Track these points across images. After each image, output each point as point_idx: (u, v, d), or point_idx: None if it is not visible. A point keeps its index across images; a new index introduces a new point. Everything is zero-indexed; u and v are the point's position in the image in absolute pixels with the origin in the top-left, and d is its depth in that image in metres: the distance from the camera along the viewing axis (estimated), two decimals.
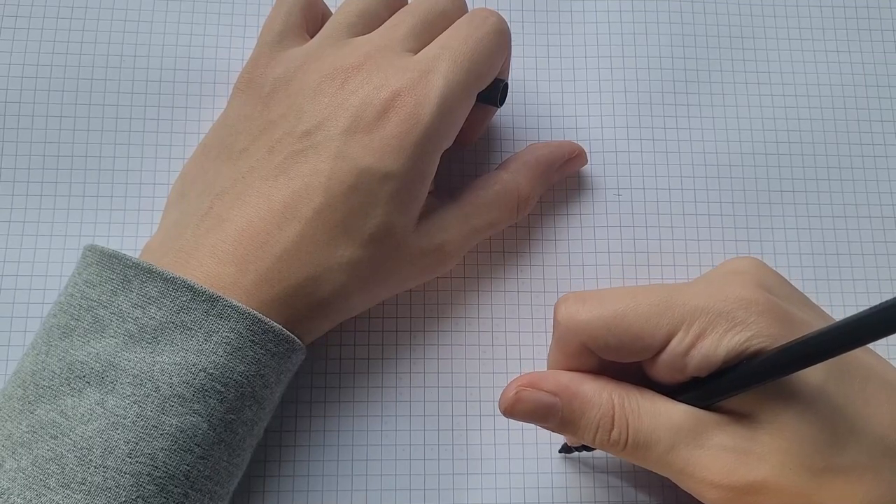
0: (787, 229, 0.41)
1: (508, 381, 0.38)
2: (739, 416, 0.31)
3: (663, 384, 0.33)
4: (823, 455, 0.30)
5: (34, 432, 0.29)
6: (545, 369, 0.34)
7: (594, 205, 0.41)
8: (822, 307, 0.35)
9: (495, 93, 0.38)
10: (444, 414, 0.38)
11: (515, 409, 0.32)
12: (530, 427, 0.38)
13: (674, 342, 0.31)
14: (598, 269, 0.40)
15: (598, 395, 0.32)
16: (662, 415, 0.31)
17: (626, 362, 0.32)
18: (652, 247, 0.41)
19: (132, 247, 0.39)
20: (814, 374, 0.30)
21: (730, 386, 0.30)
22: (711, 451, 0.31)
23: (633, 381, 0.33)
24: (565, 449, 0.37)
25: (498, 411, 0.38)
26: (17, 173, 0.40)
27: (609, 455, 0.38)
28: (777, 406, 0.30)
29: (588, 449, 0.37)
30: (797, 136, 0.43)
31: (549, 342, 0.35)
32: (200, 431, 0.30)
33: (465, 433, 0.38)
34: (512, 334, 0.39)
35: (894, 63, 0.44)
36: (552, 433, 0.38)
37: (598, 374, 0.33)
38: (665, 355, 0.31)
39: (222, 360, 0.30)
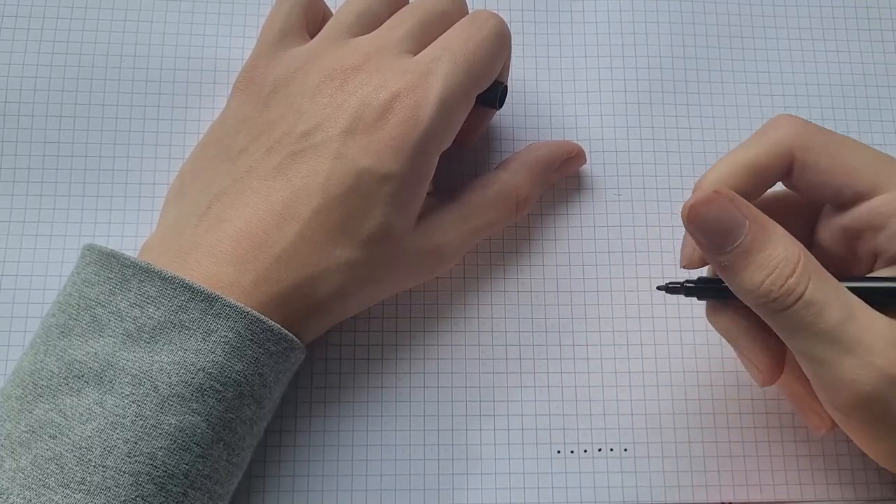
0: None
1: (511, 382, 0.38)
2: None
3: (826, 257, 0.31)
4: None
5: (33, 432, 0.29)
6: (705, 186, 0.32)
7: (594, 205, 0.41)
8: None
9: (494, 95, 0.38)
10: (444, 414, 0.38)
11: (704, 211, 0.29)
12: (530, 427, 0.38)
13: (882, 198, 0.30)
14: (598, 269, 0.40)
15: (789, 239, 0.30)
16: (841, 288, 0.29)
17: (816, 199, 0.31)
18: (652, 246, 0.41)
19: (132, 247, 0.39)
20: None
21: None
22: (882, 338, 0.29)
23: None
24: (668, 288, 0.34)
25: (498, 411, 0.38)
26: (17, 173, 0.40)
27: (608, 456, 0.38)
28: None
29: (694, 291, 0.33)
30: None
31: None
32: (199, 430, 0.30)
33: (465, 433, 0.38)
34: (512, 334, 0.39)
35: (894, 63, 0.44)
36: (551, 432, 0.38)
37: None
38: (863, 209, 0.30)
39: (221, 359, 0.30)
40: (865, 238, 0.31)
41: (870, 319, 0.29)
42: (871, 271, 0.31)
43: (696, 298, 0.34)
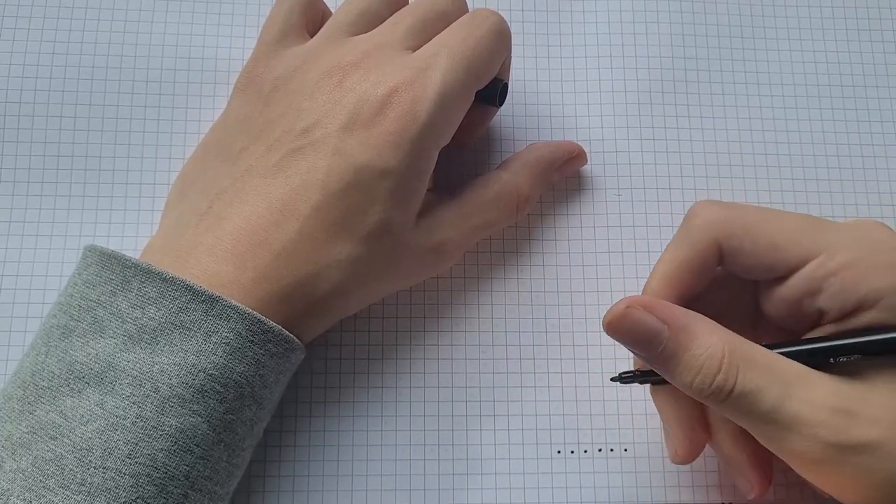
0: None
1: (511, 382, 0.38)
2: (850, 378, 0.30)
3: (775, 321, 0.32)
4: None
5: (34, 433, 0.29)
6: (648, 291, 0.33)
7: (594, 205, 0.41)
8: None
9: (494, 93, 0.38)
10: (444, 414, 0.38)
11: (619, 326, 0.30)
12: (530, 427, 0.38)
13: (813, 263, 0.30)
14: (598, 269, 0.40)
15: (709, 335, 0.30)
16: (775, 367, 0.30)
17: (750, 277, 0.31)
18: (652, 247, 0.41)
19: (132, 247, 0.39)
20: None
21: (855, 349, 0.29)
22: (823, 408, 0.29)
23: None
24: (621, 378, 0.35)
25: (498, 411, 0.38)
26: (17, 173, 0.40)
27: (608, 456, 0.38)
28: (892, 369, 0.30)
29: (646, 379, 0.34)
30: (797, 136, 0.43)
31: (669, 246, 0.33)
32: (200, 432, 0.30)
33: (465, 433, 0.38)
34: (512, 334, 0.39)
35: (894, 63, 0.44)
36: (551, 432, 0.38)
37: (705, 300, 0.32)
38: (797, 278, 0.30)
39: (221, 360, 0.30)
40: (806, 303, 0.31)
41: (809, 390, 0.29)
42: (819, 325, 0.32)
43: (649, 384, 0.35)
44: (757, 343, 0.31)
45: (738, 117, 0.43)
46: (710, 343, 0.30)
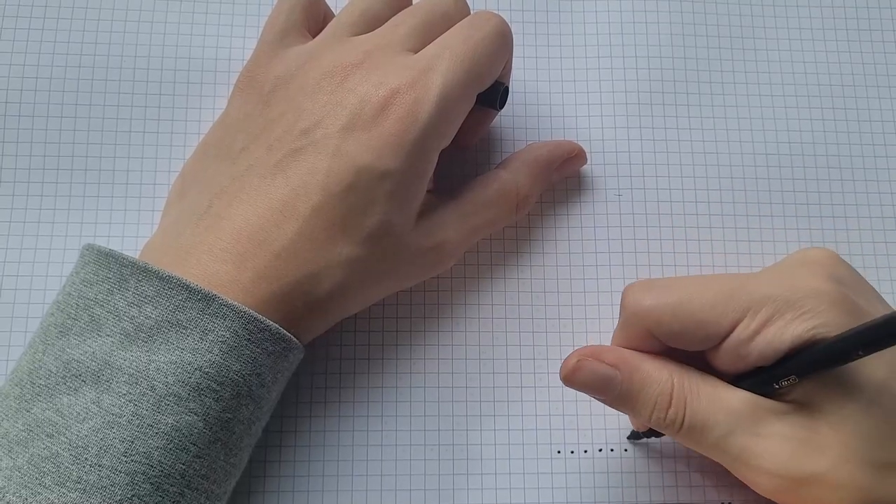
0: (787, 229, 0.41)
1: (511, 382, 0.38)
2: (800, 407, 0.31)
3: (726, 373, 0.33)
4: (885, 450, 0.30)
5: (30, 431, 0.29)
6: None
7: (594, 205, 0.41)
8: None
9: (495, 95, 0.38)
10: (444, 414, 0.38)
11: (574, 378, 0.33)
12: (530, 427, 0.38)
13: (739, 329, 0.31)
14: (599, 269, 0.40)
15: (658, 372, 0.32)
16: (722, 399, 0.32)
17: (690, 350, 0.33)
18: (652, 247, 0.41)
19: (132, 247, 0.39)
20: (877, 370, 0.31)
21: (789, 370, 0.30)
22: (770, 439, 0.31)
23: (697, 368, 0.33)
24: (634, 436, 0.38)
25: (498, 411, 0.38)
26: (17, 173, 0.40)
27: (608, 456, 0.38)
28: (840, 398, 0.30)
29: (657, 434, 0.37)
30: (797, 136, 0.42)
31: (615, 327, 0.35)
32: (196, 430, 0.30)
33: (465, 433, 0.38)
34: (512, 334, 0.39)
35: (894, 63, 0.44)
36: (551, 432, 0.38)
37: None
38: (729, 342, 0.31)
39: (218, 358, 0.30)
40: (745, 361, 0.32)
41: (756, 423, 0.31)
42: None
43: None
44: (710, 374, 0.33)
45: (738, 117, 0.43)
46: (660, 379, 0.32)
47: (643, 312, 0.32)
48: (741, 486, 0.35)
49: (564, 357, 0.38)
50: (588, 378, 0.32)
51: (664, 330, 0.32)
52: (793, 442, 0.30)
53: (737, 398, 0.31)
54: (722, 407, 0.31)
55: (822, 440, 0.30)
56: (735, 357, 0.32)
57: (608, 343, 0.36)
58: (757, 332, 0.31)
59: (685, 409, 0.32)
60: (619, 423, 0.38)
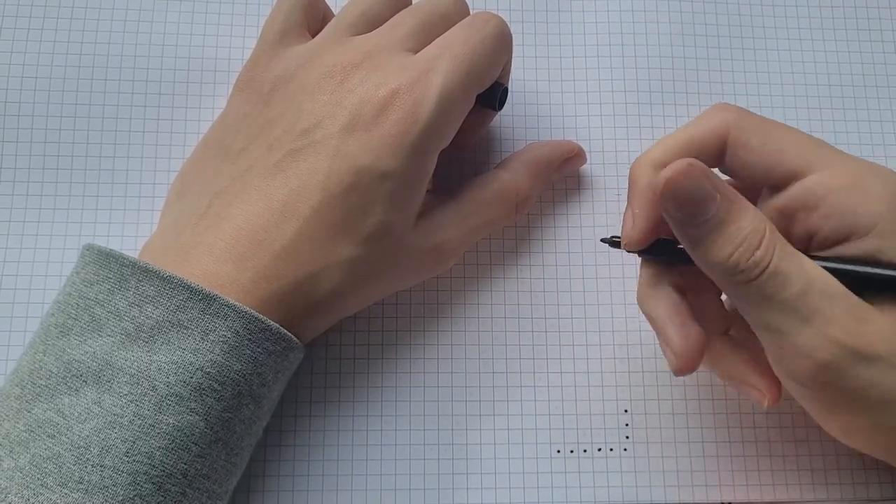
0: None
1: (511, 382, 0.38)
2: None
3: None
4: None
5: (31, 431, 0.29)
6: (644, 164, 0.33)
7: (594, 205, 0.41)
8: None
9: (494, 96, 0.38)
10: (444, 414, 0.38)
11: (682, 184, 0.29)
12: (530, 427, 0.38)
13: (815, 177, 0.31)
14: (598, 269, 0.40)
15: (756, 212, 0.30)
16: (803, 258, 0.30)
17: (745, 184, 0.32)
18: None
19: (132, 247, 0.39)
20: None
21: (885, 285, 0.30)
22: (842, 308, 0.29)
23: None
24: (612, 242, 0.35)
25: (498, 411, 0.38)
26: (17, 173, 0.40)
27: (608, 456, 0.37)
28: (891, 299, 0.30)
29: (662, 251, 0.34)
30: None
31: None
32: (198, 430, 0.30)
33: (464, 433, 0.38)
34: (512, 334, 0.39)
35: (894, 63, 0.44)
36: (551, 432, 0.38)
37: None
38: (797, 188, 0.31)
39: (219, 358, 0.30)
40: (799, 219, 0.32)
41: (831, 291, 0.29)
42: (808, 251, 0.31)
43: (639, 255, 0.34)
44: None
45: None
46: (754, 218, 0.30)
47: (733, 113, 0.32)
48: (741, 486, 0.35)
49: (564, 357, 0.39)
50: (692, 187, 0.29)
51: (742, 138, 0.32)
52: (861, 319, 0.29)
53: (812, 264, 0.30)
54: (805, 266, 0.30)
55: (884, 327, 0.29)
56: (795, 208, 0.31)
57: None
58: (832, 191, 0.30)
59: (773, 254, 0.29)
60: (618, 423, 0.38)
